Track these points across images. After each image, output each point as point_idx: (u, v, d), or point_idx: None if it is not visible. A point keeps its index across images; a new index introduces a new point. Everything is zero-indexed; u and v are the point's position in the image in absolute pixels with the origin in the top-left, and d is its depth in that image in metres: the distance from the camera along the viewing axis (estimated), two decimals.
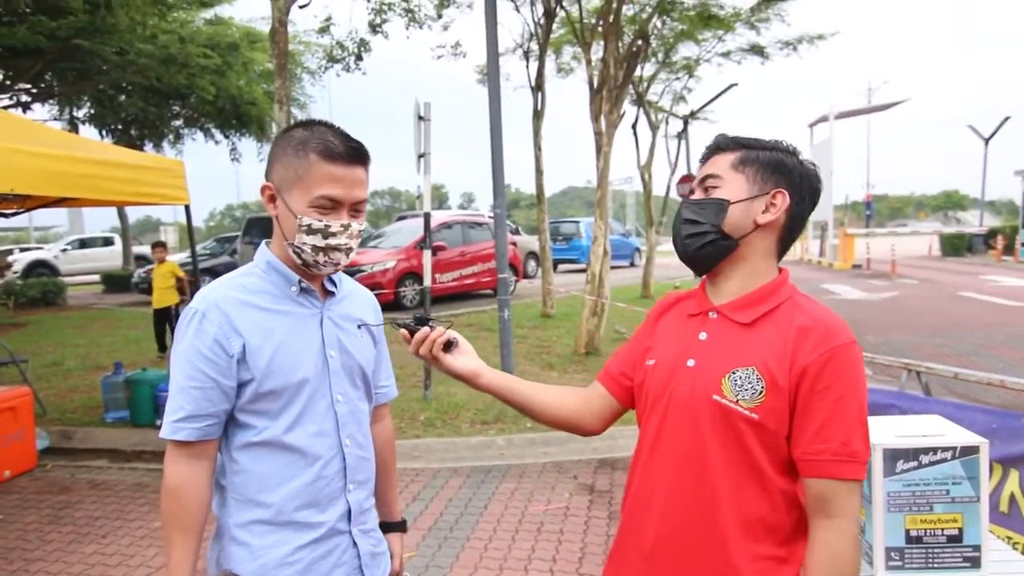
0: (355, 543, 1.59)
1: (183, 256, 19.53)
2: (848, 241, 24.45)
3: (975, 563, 1.76)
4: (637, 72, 12.20)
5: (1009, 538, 2.74)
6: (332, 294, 1.62)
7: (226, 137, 20.54)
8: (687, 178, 11.78)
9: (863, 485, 1.32)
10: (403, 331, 1.46)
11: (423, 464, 5.36)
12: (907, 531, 1.78)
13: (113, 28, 12.04)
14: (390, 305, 12.31)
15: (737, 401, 1.29)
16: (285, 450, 1.50)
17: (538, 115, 11.62)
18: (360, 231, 1.54)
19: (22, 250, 26.57)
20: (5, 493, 4.96)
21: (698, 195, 1.42)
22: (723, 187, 1.38)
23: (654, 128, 15.48)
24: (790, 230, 1.40)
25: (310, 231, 1.48)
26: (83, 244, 25.87)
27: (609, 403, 1.56)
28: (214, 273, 16.89)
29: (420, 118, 6.64)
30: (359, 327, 1.66)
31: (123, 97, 17.58)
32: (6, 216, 5.73)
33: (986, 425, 2.82)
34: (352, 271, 12.92)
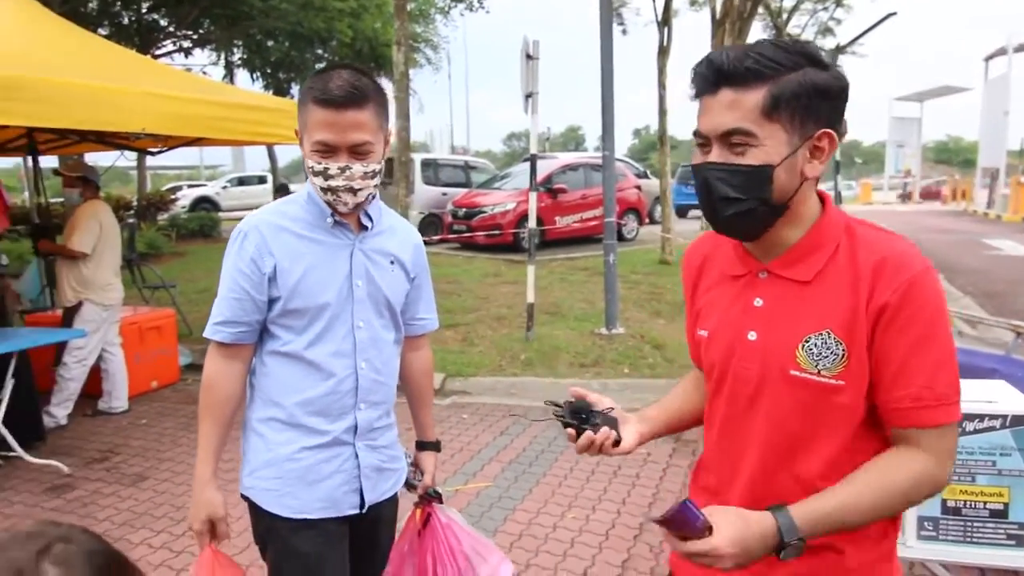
0: (357, 455, 1.74)
1: None
2: (1021, 190, 21.80)
3: (1020, 542, 1.60)
4: (776, 2, 11.31)
5: None
6: (367, 228, 1.72)
7: None
8: None
9: (956, 427, 1.14)
10: (569, 431, 1.34)
11: (517, 401, 5.51)
12: (944, 501, 1.65)
13: None
14: (509, 246, 12.48)
15: (819, 371, 1.13)
16: (304, 363, 1.68)
17: (663, 52, 11.10)
18: (368, 172, 1.61)
19: (190, 186, 29.15)
20: (151, 401, 5.63)
21: (724, 156, 1.13)
22: (758, 147, 1.11)
23: None
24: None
25: (314, 173, 1.60)
26: (241, 182, 28.05)
27: None
28: None
29: (528, 56, 6.58)
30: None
31: (270, 42, 18.60)
32: (152, 154, 6.36)
33: None
34: (473, 212, 13.20)
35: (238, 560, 1.77)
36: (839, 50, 15.24)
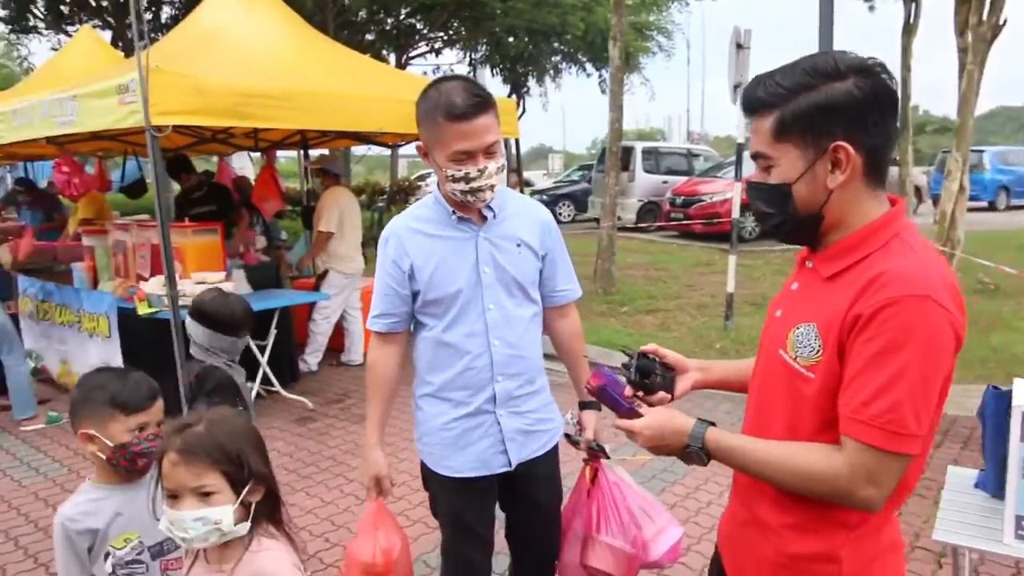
0: (499, 422, 1.97)
1: (548, 183, 21.63)
2: None
3: None
4: None
5: None
6: (487, 219, 1.94)
7: (597, 70, 21.79)
8: None
9: (897, 461, 1.12)
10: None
11: None
12: None
13: None
14: (726, 236, 12.21)
15: (796, 358, 1.22)
16: (444, 345, 1.95)
17: (909, 30, 10.11)
18: (498, 167, 1.82)
19: None
20: None
21: (758, 176, 1.26)
22: (778, 165, 1.21)
23: None
24: (876, 163, 1.19)
25: (455, 180, 1.81)
26: None
27: None
28: (572, 199, 18.49)
29: (738, 46, 6.55)
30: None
31: (510, 38, 19.84)
32: (392, 147, 7.41)
33: None
34: (691, 200, 13.12)
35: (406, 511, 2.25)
36: None
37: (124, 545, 1.70)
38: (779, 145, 1.20)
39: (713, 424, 1.29)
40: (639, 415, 1.35)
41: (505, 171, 1.92)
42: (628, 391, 1.43)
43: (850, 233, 1.21)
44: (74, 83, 5.01)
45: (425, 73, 21.46)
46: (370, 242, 12.45)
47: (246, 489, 1.37)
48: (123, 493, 1.73)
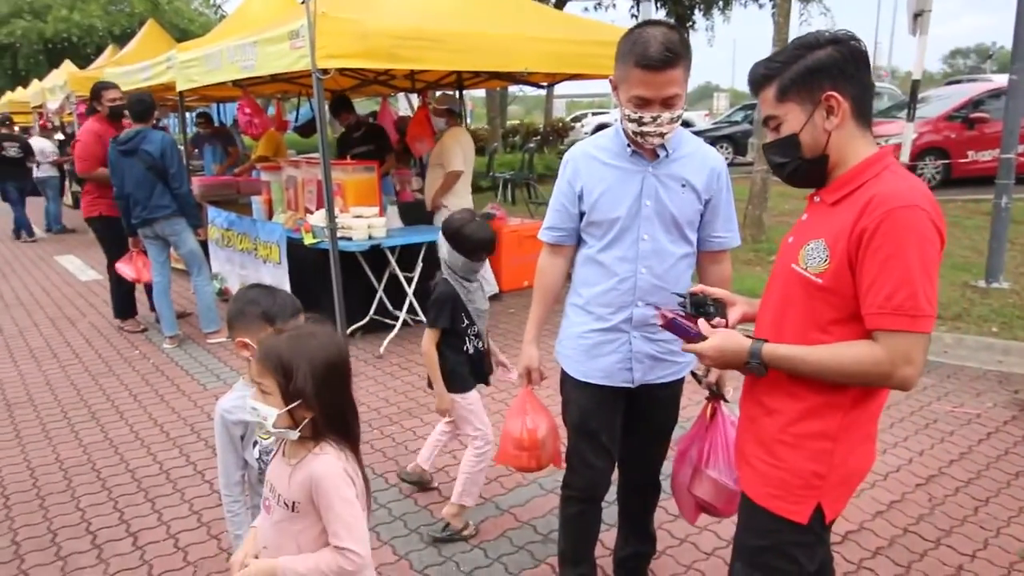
0: (631, 342, 2.14)
1: (708, 123, 20.68)
2: None
3: None
4: None
5: None
6: (659, 157, 2.06)
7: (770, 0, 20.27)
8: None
9: (922, 339, 1.38)
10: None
11: None
12: None
13: None
14: None
15: (807, 268, 1.50)
16: (597, 264, 2.14)
17: None
18: (674, 117, 1.94)
19: (594, 114, 31.52)
20: (520, 296, 6.82)
21: (771, 137, 1.57)
22: (785, 122, 1.51)
23: None
24: (860, 107, 1.48)
25: (629, 120, 1.97)
26: None
27: None
28: (731, 140, 17.62)
29: None
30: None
31: None
32: (540, 87, 7.45)
33: None
34: None
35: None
36: None
37: (268, 436, 1.94)
38: (782, 106, 1.51)
39: (765, 340, 1.56)
40: (704, 338, 1.63)
41: (680, 121, 1.99)
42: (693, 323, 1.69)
43: (848, 168, 1.49)
44: (256, 29, 5.50)
45: (586, 9, 20.96)
46: (522, 184, 12.63)
47: (295, 403, 1.51)
48: None
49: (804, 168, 1.54)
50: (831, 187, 1.53)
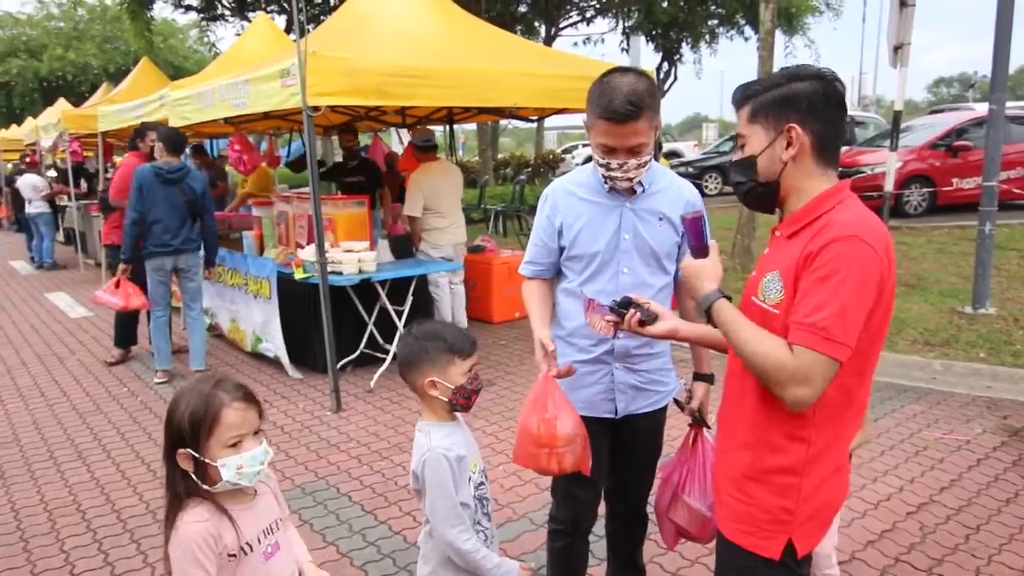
0: (612, 373, 2.18)
1: (696, 154, 20.95)
2: None
3: None
4: None
5: None
6: (635, 192, 2.11)
7: (756, 33, 20.61)
8: None
9: (827, 363, 1.38)
10: (612, 318, 1.87)
11: None
12: None
13: None
14: (891, 210, 11.31)
15: (764, 300, 1.52)
16: (577, 297, 2.14)
17: None
18: (641, 163, 2.00)
19: (584, 145, 31.84)
20: (512, 328, 6.92)
21: (737, 154, 1.61)
22: (748, 143, 1.57)
23: None
24: (822, 145, 1.51)
25: (598, 164, 2.05)
26: None
27: None
28: (720, 170, 17.81)
29: (903, 4, 6.02)
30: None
31: (664, 3, 19.23)
32: (530, 121, 7.55)
33: None
34: (849, 171, 12.20)
35: (518, 472, 2.45)
36: None
37: (475, 469, 1.93)
38: (751, 126, 1.56)
39: (729, 297, 1.61)
40: (707, 255, 1.69)
41: (648, 165, 2.05)
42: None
43: (805, 203, 1.52)
44: (248, 68, 5.57)
45: (576, 44, 21.29)
46: (513, 215, 12.75)
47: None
48: (456, 428, 1.93)
49: (756, 191, 1.59)
50: (787, 220, 1.56)
